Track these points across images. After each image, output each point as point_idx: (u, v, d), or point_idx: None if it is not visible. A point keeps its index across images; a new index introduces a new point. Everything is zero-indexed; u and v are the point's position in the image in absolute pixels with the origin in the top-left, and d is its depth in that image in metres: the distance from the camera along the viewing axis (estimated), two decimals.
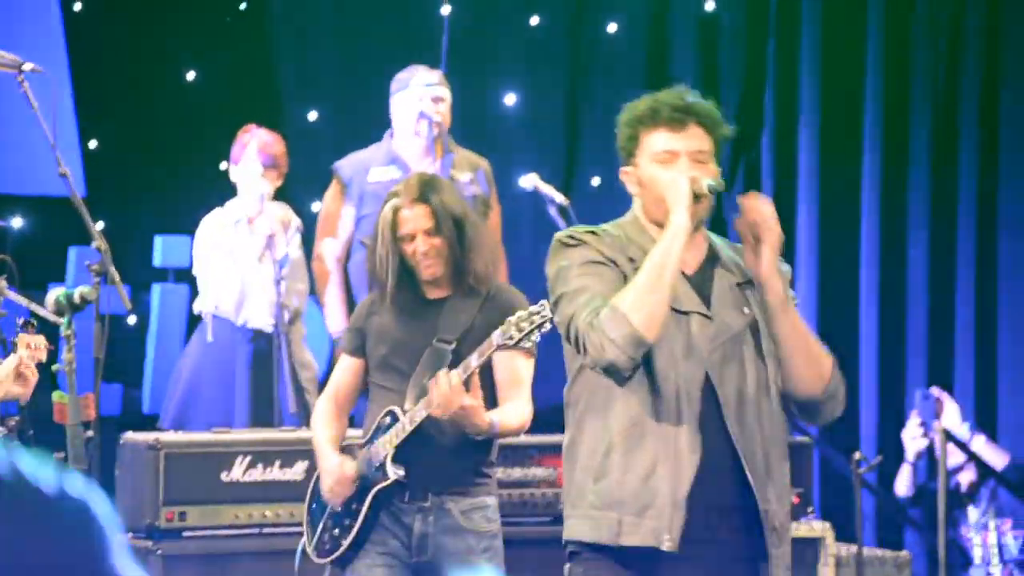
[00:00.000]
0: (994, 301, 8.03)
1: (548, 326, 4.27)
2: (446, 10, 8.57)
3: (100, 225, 5.17)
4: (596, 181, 8.70)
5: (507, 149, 7.63)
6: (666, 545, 3.59)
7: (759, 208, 3.66)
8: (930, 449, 6.98)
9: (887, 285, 8.22)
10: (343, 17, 8.43)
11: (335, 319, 6.60)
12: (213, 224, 6.63)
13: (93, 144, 8.27)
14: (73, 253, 7.89)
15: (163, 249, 8.13)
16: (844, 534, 6.01)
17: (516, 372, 4.58)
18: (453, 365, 4.45)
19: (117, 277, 4.79)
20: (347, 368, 4.76)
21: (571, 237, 3.75)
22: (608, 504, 3.64)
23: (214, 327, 6.55)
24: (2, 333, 4.98)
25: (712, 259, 3.77)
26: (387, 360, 4.64)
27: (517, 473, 5.70)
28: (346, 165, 6.67)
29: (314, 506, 4.76)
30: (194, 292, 6.77)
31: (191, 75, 8.46)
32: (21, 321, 4.68)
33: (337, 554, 4.63)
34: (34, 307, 4.87)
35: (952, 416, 7.01)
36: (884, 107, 8.26)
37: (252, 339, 6.54)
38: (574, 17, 8.73)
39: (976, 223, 8.10)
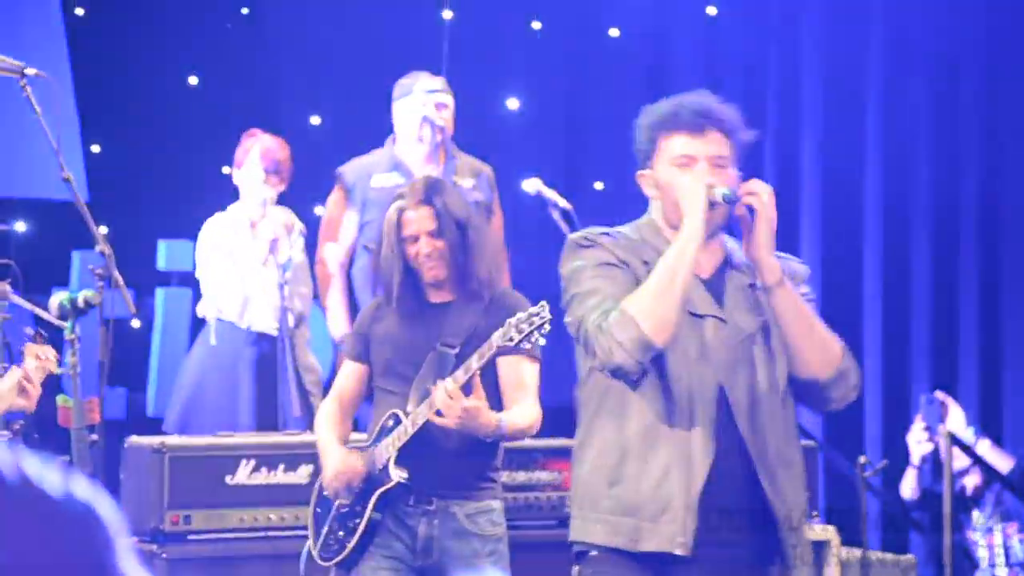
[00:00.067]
0: (998, 305, 8.03)
1: (548, 327, 4.27)
2: (448, 15, 8.57)
3: (103, 229, 5.16)
4: (599, 185, 8.70)
5: (510, 154, 7.63)
6: (679, 549, 3.59)
7: (755, 189, 3.65)
8: (935, 453, 6.97)
9: (891, 289, 8.22)
10: (345, 22, 8.43)
11: (337, 323, 6.60)
12: (216, 228, 6.63)
13: (96, 148, 8.28)
14: (77, 257, 7.90)
15: (167, 253, 8.14)
16: (849, 537, 6.01)
17: (521, 376, 4.58)
18: (456, 369, 4.45)
19: (121, 281, 4.79)
20: (350, 373, 4.77)
21: (585, 238, 3.74)
22: (625, 510, 3.64)
23: (218, 330, 6.55)
24: (5, 337, 4.98)
25: (727, 262, 3.77)
26: (391, 364, 4.65)
27: (522, 477, 5.69)
28: (349, 170, 6.67)
29: (319, 509, 4.77)
30: (198, 296, 6.77)
31: (193, 80, 8.46)
32: (31, 332, 4.68)
33: (342, 556, 4.63)
34: (38, 311, 4.88)
35: (957, 420, 7.00)
36: (886, 110, 8.26)
37: (256, 343, 6.54)
38: (576, 22, 8.73)
39: (980, 226, 8.09)
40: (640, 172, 3.76)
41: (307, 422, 6.18)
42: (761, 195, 3.63)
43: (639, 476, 3.63)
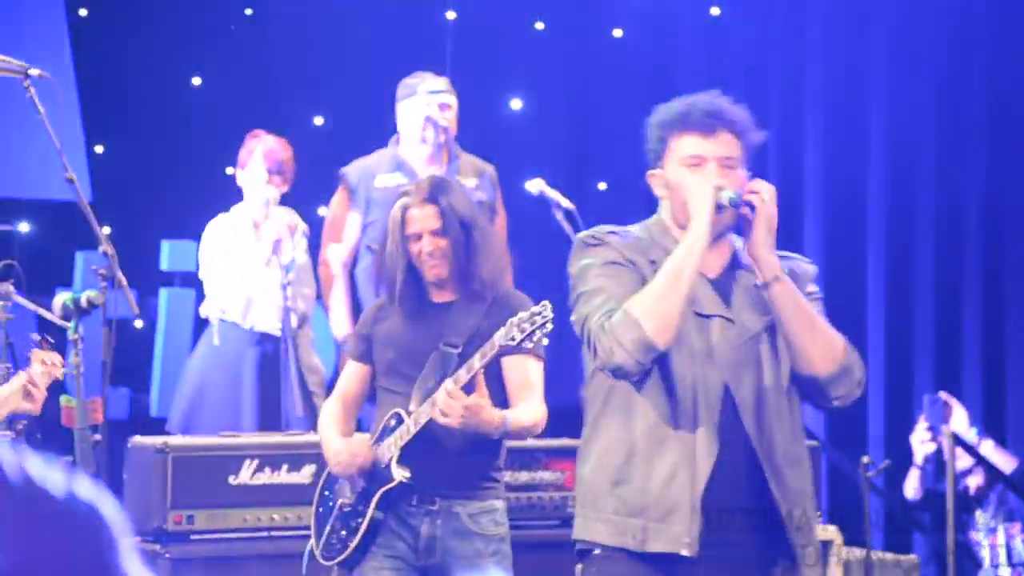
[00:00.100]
0: (1002, 305, 8.03)
1: (550, 326, 4.27)
2: (451, 16, 8.57)
3: (107, 230, 5.17)
4: (602, 186, 8.70)
5: (513, 154, 7.64)
6: (685, 550, 3.59)
7: (756, 188, 3.66)
8: (938, 453, 6.97)
9: (894, 288, 8.22)
10: (348, 23, 8.43)
11: (340, 324, 6.60)
12: (219, 228, 6.63)
13: (100, 149, 8.29)
14: (80, 258, 7.91)
15: (170, 253, 8.15)
16: (852, 538, 6.01)
17: (526, 375, 4.59)
18: (459, 369, 4.45)
19: (124, 281, 4.79)
20: (353, 373, 4.77)
21: (593, 237, 3.74)
22: (631, 511, 3.64)
23: (221, 331, 6.56)
24: (8, 337, 4.99)
25: (735, 262, 3.76)
26: (394, 364, 4.65)
27: (525, 477, 5.70)
28: (352, 171, 6.67)
29: (321, 508, 4.77)
30: (201, 296, 6.78)
31: (197, 80, 8.47)
32: (37, 338, 4.69)
33: (344, 556, 4.63)
34: (41, 311, 4.89)
35: (960, 420, 7.00)
36: (890, 109, 8.26)
37: (259, 343, 6.55)
38: (579, 22, 8.73)
39: (984, 226, 8.09)
40: (650, 172, 3.76)
41: (310, 422, 6.18)
42: (762, 193, 3.63)
43: (645, 476, 3.63)
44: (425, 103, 6.55)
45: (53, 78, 4.91)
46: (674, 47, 8.70)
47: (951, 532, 6.11)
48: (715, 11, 8.66)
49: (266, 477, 5.50)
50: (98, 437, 4.74)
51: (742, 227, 3.74)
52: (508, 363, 4.57)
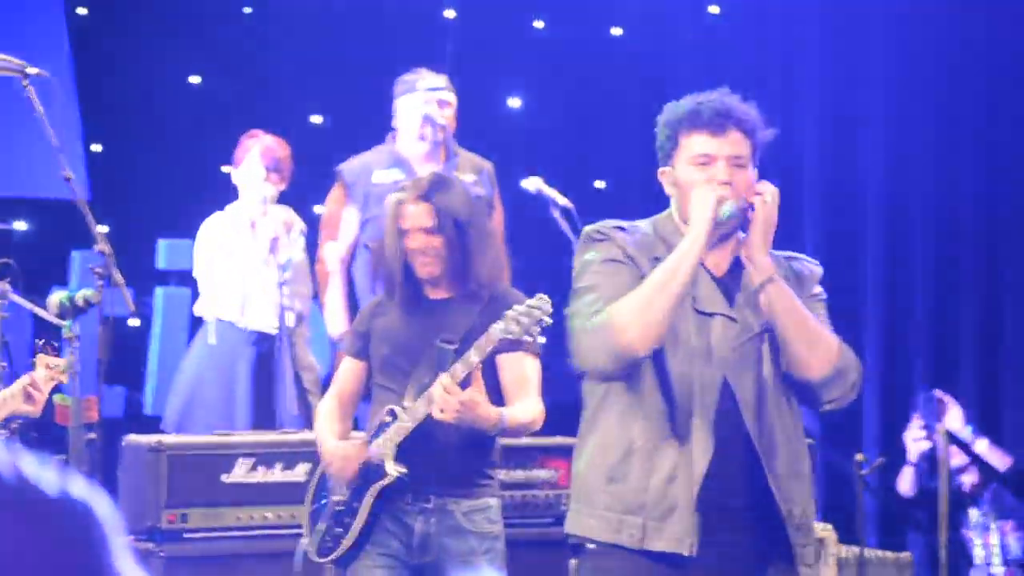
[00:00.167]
0: (998, 303, 8.03)
1: (548, 320, 4.27)
2: (450, 14, 8.58)
3: (104, 228, 5.18)
4: (600, 184, 8.71)
5: (511, 152, 7.64)
6: (687, 550, 3.59)
7: (760, 189, 3.65)
8: (932, 450, 6.98)
9: (890, 286, 8.23)
10: (347, 21, 8.44)
11: (336, 322, 6.59)
12: (215, 227, 6.63)
13: (97, 148, 8.29)
14: (76, 256, 7.91)
15: (166, 252, 8.15)
16: (846, 535, 6.02)
17: (523, 372, 4.58)
18: (455, 364, 4.45)
19: (120, 280, 4.80)
20: (350, 370, 4.77)
21: (599, 232, 3.73)
22: (628, 508, 3.63)
23: (217, 330, 6.55)
24: (4, 336, 4.99)
25: (742, 261, 3.76)
26: (389, 360, 4.65)
27: (520, 474, 5.70)
28: (349, 168, 6.66)
29: (315, 506, 4.77)
30: (196, 295, 6.78)
31: (195, 79, 8.47)
32: (41, 342, 4.70)
33: (337, 553, 4.63)
34: (37, 310, 4.89)
35: (955, 418, 7.01)
36: (888, 109, 8.26)
37: (255, 342, 6.54)
38: (578, 21, 8.73)
39: (980, 224, 8.10)
40: (661, 169, 3.74)
41: (305, 420, 6.19)
42: (765, 195, 3.63)
43: (645, 475, 3.62)
44: (424, 100, 6.54)
45: (52, 77, 4.91)
46: (673, 46, 8.70)
47: (944, 530, 6.12)
48: (714, 9, 8.66)
49: (260, 475, 5.50)
50: (93, 435, 4.75)
51: (744, 227, 3.73)
52: (504, 361, 4.57)
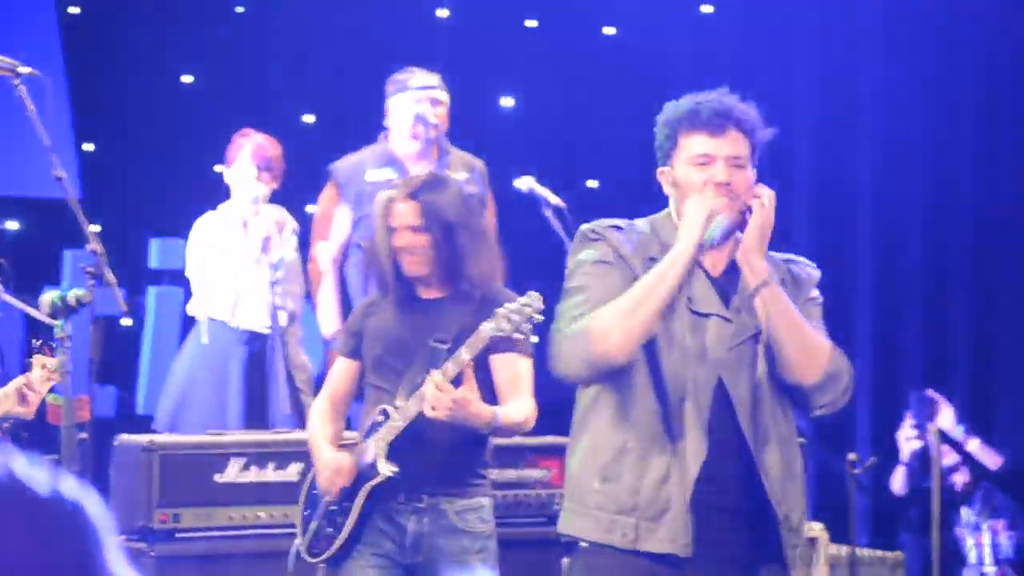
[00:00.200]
0: (989, 303, 8.04)
1: (540, 317, 4.27)
2: (443, 13, 8.57)
3: (95, 228, 5.17)
4: (593, 183, 8.71)
5: (503, 151, 7.64)
6: (680, 551, 3.59)
7: (758, 192, 3.65)
8: (924, 450, 6.99)
9: (882, 285, 8.24)
10: (339, 21, 8.43)
11: (328, 321, 6.59)
12: (207, 226, 6.62)
13: (89, 147, 8.28)
14: (68, 256, 7.90)
15: (158, 252, 8.14)
16: (838, 535, 6.02)
17: (515, 372, 4.58)
18: (447, 362, 4.45)
19: (112, 279, 4.79)
20: (343, 370, 4.77)
21: (594, 231, 3.72)
22: (621, 508, 3.63)
23: (209, 329, 6.54)
24: None
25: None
26: (382, 360, 4.65)
27: (512, 474, 5.70)
28: (341, 167, 6.66)
29: (307, 506, 4.76)
30: (189, 294, 6.77)
31: (187, 78, 8.47)
32: (38, 343, 4.70)
33: (330, 553, 4.63)
34: (29, 309, 4.88)
35: (947, 417, 7.02)
36: (881, 109, 8.27)
37: (247, 341, 6.53)
38: (571, 20, 8.73)
39: (972, 224, 8.11)
40: (660, 169, 3.73)
41: (297, 420, 6.18)
42: (762, 198, 3.63)
43: (638, 475, 3.62)
44: (416, 99, 6.54)
45: (43, 76, 4.90)
46: (665, 45, 8.70)
47: (936, 529, 6.13)
48: (706, 9, 8.66)
49: (252, 475, 5.50)
50: (84, 435, 4.74)
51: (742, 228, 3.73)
52: (498, 361, 4.56)
